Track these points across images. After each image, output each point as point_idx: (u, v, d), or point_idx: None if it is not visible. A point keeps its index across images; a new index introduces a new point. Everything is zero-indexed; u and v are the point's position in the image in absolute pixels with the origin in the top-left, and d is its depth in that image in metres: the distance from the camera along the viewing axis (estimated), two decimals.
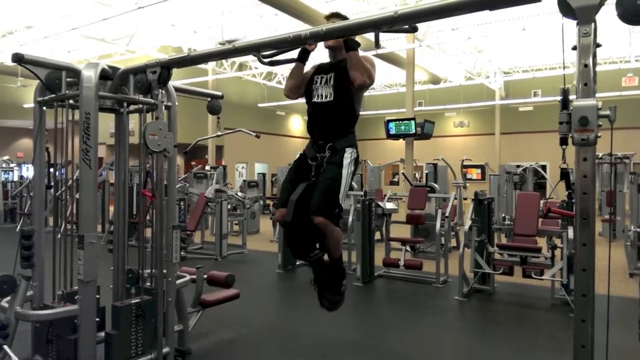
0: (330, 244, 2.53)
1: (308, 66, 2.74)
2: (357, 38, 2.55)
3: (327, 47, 2.67)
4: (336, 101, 2.59)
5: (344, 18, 2.60)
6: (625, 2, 1.54)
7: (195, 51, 2.64)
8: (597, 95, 1.61)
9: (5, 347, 2.63)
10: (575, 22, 1.61)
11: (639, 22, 1.57)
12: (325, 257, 2.63)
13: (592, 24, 1.58)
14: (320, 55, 2.68)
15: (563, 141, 1.71)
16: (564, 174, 1.99)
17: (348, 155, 2.56)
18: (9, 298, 2.80)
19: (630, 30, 12.14)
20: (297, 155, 2.73)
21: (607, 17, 1.75)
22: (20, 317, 2.70)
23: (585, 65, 1.59)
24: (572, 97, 1.66)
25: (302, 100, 2.75)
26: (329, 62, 2.71)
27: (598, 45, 1.59)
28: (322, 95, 2.63)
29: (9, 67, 14.12)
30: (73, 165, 2.97)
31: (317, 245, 2.61)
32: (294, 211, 2.46)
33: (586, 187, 1.62)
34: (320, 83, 2.65)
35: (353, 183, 3.07)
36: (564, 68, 1.93)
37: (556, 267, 4.77)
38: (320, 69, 2.72)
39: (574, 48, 1.62)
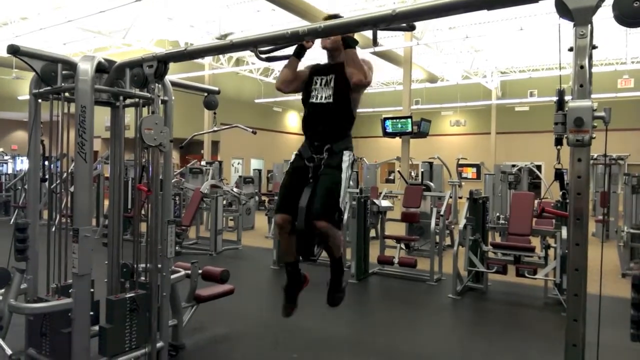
0: (332, 245, 2.56)
1: (302, 65, 2.73)
2: (355, 36, 2.55)
3: (325, 48, 2.66)
4: (335, 103, 2.58)
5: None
6: (622, 4, 1.55)
7: (192, 45, 2.63)
8: (593, 96, 1.63)
9: None
10: (572, 23, 1.62)
11: (636, 24, 1.58)
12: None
13: (589, 26, 1.59)
14: (317, 52, 2.68)
15: (558, 142, 1.72)
16: (559, 174, 2.00)
17: (346, 159, 2.57)
18: (2, 291, 2.79)
19: (627, 32, 12.20)
20: (293, 156, 2.72)
21: (604, 18, 1.76)
22: (14, 310, 2.70)
23: (581, 67, 1.60)
24: (567, 98, 1.67)
25: (298, 96, 2.75)
26: (328, 63, 2.70)
27: (594, 47, 1.60)
28: (321, 96, 2.62)
29: (4, 58, 14.01)
30: (68, 158, 2.96)
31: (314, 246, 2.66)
32: (305, 218, 2.47)
33: (580, 188, 1.64)
34: (320, 84, 2.64)
35: (350, 182, 3.07)
36: (560, 69, 1.94)
37: (549, 267, 4.80)
38: (319, 70, 2.70)
39: (571, 49, 1.63)
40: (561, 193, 4.56)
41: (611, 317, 3.97)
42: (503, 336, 4.03)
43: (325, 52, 2.73)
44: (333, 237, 2.50)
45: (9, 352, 2.52)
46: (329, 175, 2.52)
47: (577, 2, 1.57)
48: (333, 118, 2.60)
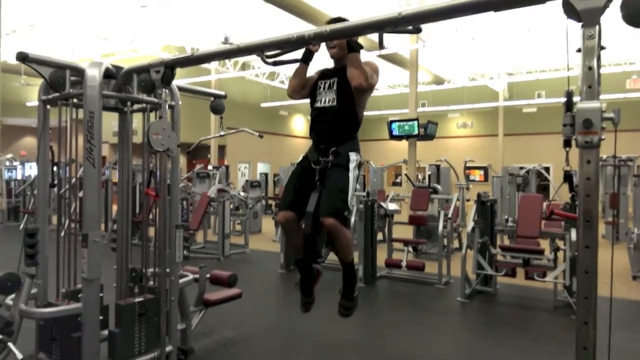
0: (341, 246, 2.53)
1: (312, 70, 2.74)
2: (361, 39, 2.55)
3: (331, 56, 2.67)
4: (339, 106, 2.58)
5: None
6: (631, 4, 1.54)
7: (198, 50, 2.65)
8: (601, 97, 1.61)
9: (10, 344, 2.64)
10: (579, 24, 1.61)
11: None
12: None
13: (597, 27, 1.58)
14: (324, 56, 2.68)
15: (567, 143, 1.71)
16: (568, 176, 1.98)
17: (353, 160, 2.56)
18: (13, 296, 2.81)
19: (635, 32, 12.10)
20: (300, 158, 2.73)
21: (612, 18, 1.74)
22: (24, 315, 2.71)
23: (590, 68, 1.59)
24: (576, 99, 1.66)
25: (306, 100, 2.76)
26: (333, 67, 2.71)
27: (603, 48, 1.59)
28: (325, 100, 2.63)
29: (13, 65, 14.15)
30: (77, 163, 2.99)
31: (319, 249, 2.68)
32: (312, 223, 2.46)
33: (589, 190, 1.62)
34: (324, 88, 2.65)
35: (357, 185, 3.08)
36: (568, 70, 1.93)
37: (559, 269, 4.76)
38: (324, 74, 2.72)
39: (579, 50, 1.62)
40: (570, 195, 4.53)
41: (622, 320, 3.95)
42: (512, 339, 4.00)
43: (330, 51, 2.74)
44: (342, 235, 2.47)
45: (20, 356, 2.54)
46: (336, 174, 2.51)
47: (585, 3, 1.56)
48: (338, 121, 2.60)
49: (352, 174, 2.53)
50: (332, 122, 2.60)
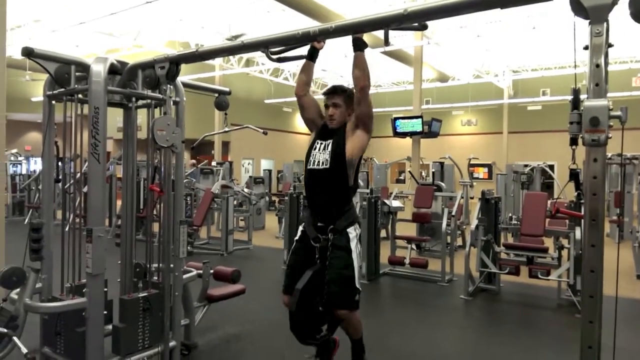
0: (352, 328, 2.58)
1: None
2: (366, 36, 2.54)
3: (330, 115, 2.67)
4: (331, 169, 2.55)
5: (344, 90, 2.68)
6: (638, 1, 1.52)
7: (203, 47, 2.64)
8: (607, 95, 1.60)
9: (15, 338, 2.66)
10: (587, 21, 1.60)
11: None
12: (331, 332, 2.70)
13: (605, 24, 1.57)
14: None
15: (573, 141, 1.70)
16: (574, 175, 1.97)
17: (353, 237, 2.55)
18: (18, 290, 2.83)
19: None
20: (299, 233, 2.70)
21: (618, 15, 1.73)
22: (29, 309, 2.73)
23: (597, 65, 1.58)
24: (583, 97, 1.64)
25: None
26: (330, 128, 2.69)
27: (610, 45, 1.58)
28: (317, 161, 2.61)
29: (18, 60, 14.17)
30: (82, 159, 2.99)
31: (324, 327, 2.66)
32: (298, 301, 2.47)
33: (596, 188, 1.61)
34: (319, 150, 2.63)
35: (360, 181, 3.10)
36: (575, 67, 1.92)
37: (563, 268, 4.75)
38: (323, 132, 2.70)
39: (586, 48, 1.61)
40: (576, 194, 4.50)
41: (627, 318, 3.93)
42: (516, 337, 3.99)
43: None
44: (354, 321, 2.53)
45: (24, 350, 2.55)
46: (339, 259, 2.49)
47: (593, 0, 1.55)
48: (330, 190, 2.57)
49: (355, 252, 2.52)
50: (325, 191, 2.57)
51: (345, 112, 2.66)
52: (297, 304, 2.47)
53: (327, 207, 2.57)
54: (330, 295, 2.45)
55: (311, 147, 2.67)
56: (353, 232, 2.56)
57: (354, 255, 2.51)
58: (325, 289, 2.47)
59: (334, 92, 2.71)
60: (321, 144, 2.64)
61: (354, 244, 2.53)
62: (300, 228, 2.71)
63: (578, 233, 4.55)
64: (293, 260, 2.66)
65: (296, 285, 2.49)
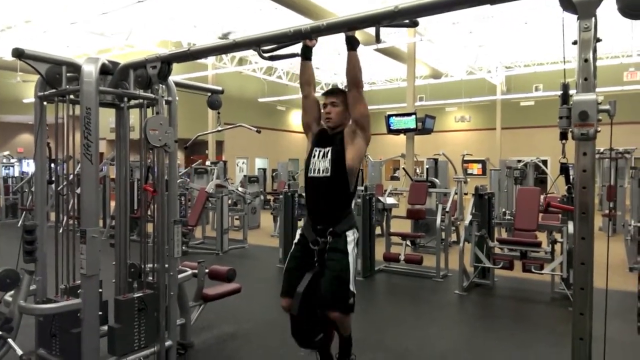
0: (343, 328, 2.61)
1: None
2: (358, 33, 2.55)
3: (326, 118, 2.68)
4: (332, 177, 2.56)
5: (344, 91, 2.68)
6: None
7: (195, 45, 2.64)
8: (599, 89, 1.62)
9: (10, 340, 2.65)
10: (575, 16, 1.61)
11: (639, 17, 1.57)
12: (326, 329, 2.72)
13: (593, 19, 1.58)
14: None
15: (563, 136, 1.72)
16: (564, 169, 1.99)
17: (351, 240, 2.56)
18: (12, 292, 2.82)
19: (632, 24, 12.10)
20: (297, 237, 2.71)
21: (609, 11, 1.75)
22: (24, 311, 2.72)
23: (586, 60, 1.60)
24: (572, 91, 1.66)
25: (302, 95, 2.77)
26: (329, 134, 2.69)
27: (598, 40, 1.60)
28: (318, 169, 2.61)
29: (8, 62, 14.10)
30: (74, 160, 2.98)
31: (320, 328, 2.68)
32: (300, 303, 2.48)
33: (585, 182, 1.63)
34: (319, 157, 2.63)
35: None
36: (564, 62, 1.93)
37: (556, 262, 4.79)
38: (321, 136, 2.70)
39: (575, 43, 1.63)
40: (567, 187, 4.54)
41: (619, 311, 3.96)
42: (510, 331, 4.02)
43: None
44: (345, 323, 2.56)
45: (19, 352, 2.54)
46: (336, 260, 2.51)
47: None
48: (331, 196, 2.58)
49: (352, 256, 2.54)
50: (326, 197, 2.58)
51: (343, 113, 2.64)
52: (299, 310, 2.49)
53: (328, 212, 2.59)
54: (323, 296, 2.46)
55: (310, 155, 2.67)
56: (351, 235, 2.57)
57: (351, 259, 2.52)
58: (319, 290, 2.48)
59: (333, 92, 2.71)
60: (320, 151, 2.64)
61: (351, 247, 2.55)
62: (299, 232, 2.72)
63: (570, 227, 4.58)
64: (291, 263, 2.66)
65: (297, 289, 2.49)
